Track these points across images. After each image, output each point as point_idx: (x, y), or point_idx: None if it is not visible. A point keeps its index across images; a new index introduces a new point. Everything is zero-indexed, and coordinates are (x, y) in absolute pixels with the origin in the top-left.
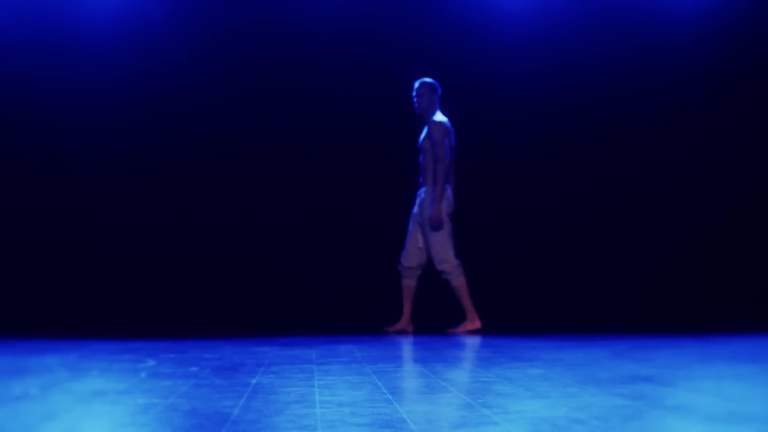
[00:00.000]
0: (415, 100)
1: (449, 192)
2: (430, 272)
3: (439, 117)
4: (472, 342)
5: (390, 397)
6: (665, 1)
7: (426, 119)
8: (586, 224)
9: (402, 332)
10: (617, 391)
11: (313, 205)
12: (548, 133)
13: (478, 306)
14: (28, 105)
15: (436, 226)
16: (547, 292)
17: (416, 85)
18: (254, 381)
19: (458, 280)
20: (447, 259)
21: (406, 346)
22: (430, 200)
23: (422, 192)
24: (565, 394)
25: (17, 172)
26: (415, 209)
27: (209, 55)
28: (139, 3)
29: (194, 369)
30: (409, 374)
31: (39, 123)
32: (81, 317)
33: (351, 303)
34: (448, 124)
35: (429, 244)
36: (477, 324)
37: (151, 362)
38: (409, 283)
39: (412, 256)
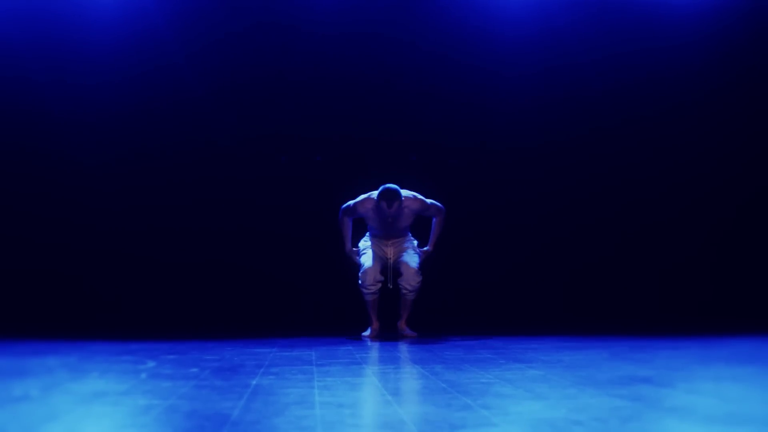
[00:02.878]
0: (394, 209)
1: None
2: (429, 274)
3: (407, 192)
4: (471, 344)
5: (390, 398)
6: (665, 3)
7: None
8: (587, 230)
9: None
10: (616, 393)
11: (314, 207)
12: (548, 138)
13: (487, 310)
14: (28, 108)
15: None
16: (551, 297)
17: (399, 195)
18: (254, 382)
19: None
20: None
21: (406, 348)
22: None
23: (398, 242)
24: (564, 395)
25: (19, 176)
26: (384, 251)
27: (210, 59)
28: (140, 6)
29: (194, 370)
30: (409, 375)
31: (39, 126)
32: (81, 319)
33: (351, 304)
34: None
35: (414, 258)
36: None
37: (151, 363)
38: (377, 296)
39: (380, 272)
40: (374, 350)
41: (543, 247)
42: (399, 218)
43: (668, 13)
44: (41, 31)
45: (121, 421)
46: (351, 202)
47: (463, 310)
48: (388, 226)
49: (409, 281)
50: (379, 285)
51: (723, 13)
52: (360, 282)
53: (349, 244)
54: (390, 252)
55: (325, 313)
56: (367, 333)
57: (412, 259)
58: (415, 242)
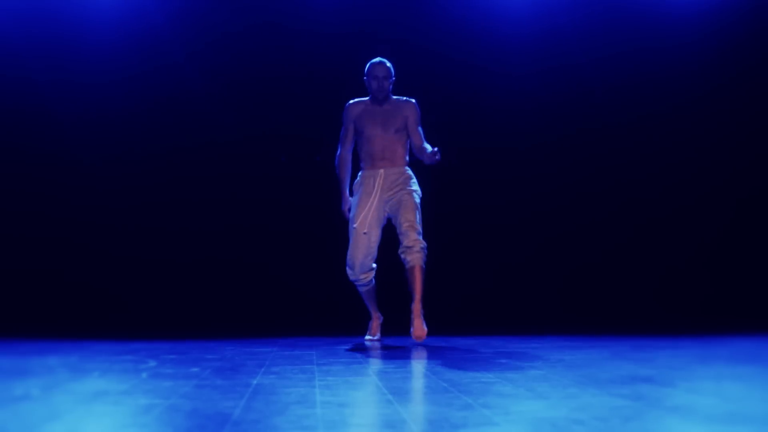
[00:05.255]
0: (385, 84)
1: None
2: (430, 273)
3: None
4: (472, 343)
5: (391, 397)
6: (665, 3)
7: (386, 100)
8: (586, 229)
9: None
10: (617, 392)
11: (314, 206)
12: (546, 137)
13: (488, 310)
14: (29, 107)
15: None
16: (552, 297)
17: (388, 65)
18: (255, 381)
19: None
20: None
21: (407, 347)
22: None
23: (391, 173)
24: (565, 394)
25: (20, 175)
26: (378, 195)
27: (210, 58)
28: (141, 5)
29: (195, 370)
30: (410, 375)
31: (40, 125)
32: (82, 318)
33: (351, 304)
34: None
35: (412, 215)
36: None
37: (152, 363)
38: (373, 285)
39: (373, 255)
40: (375, 350)
41: (543, 246)
42: (390, 117)
43: (668, 13)
44: (41, 30)
45: (122, 421)
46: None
47: (463, 310)
48: (381, 127)
49: (411, 241)
50: (372, 273)
51: (722, 13)
52: (348, 271)
53: (346, 194)
54: (384, 200)
55: (326, 313)
56: (369, 336)
57: (411, 214)
58: (417, 187)
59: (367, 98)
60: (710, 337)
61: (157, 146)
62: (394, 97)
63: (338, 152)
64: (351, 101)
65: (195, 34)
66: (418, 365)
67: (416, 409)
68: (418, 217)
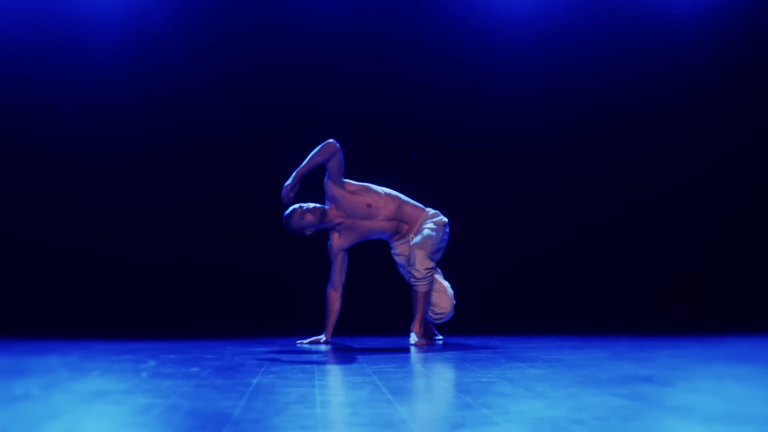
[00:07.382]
0: (311, 218)
1: None
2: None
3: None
4: (472, 343)
5: (390, 397)
6: (665, 3)
7: (325, 217)
8: (588, 229)
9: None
10: (617, 392)
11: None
12: (547, 138)
13: (488, 310)
14: (29, 107)
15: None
16: (552, 297)
17: (293, 207)
18: (255, 381)
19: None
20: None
21: (406, 347)
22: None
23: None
24: (565, 394)
25: (21, 176)
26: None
27: (210, 58)
28: (141, 5)
29: (195, 369)
30: (410, 374)
31: (38, 125)
32: (82, 318)
33: (351, 304)
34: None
35: (417, 242)
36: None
37: (152, 363)
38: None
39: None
40: (375, 349)
41: (542, 246)
42: (353, 208)
43: (668, 13)
44: (42, 30)
45: (122, 420)
46: (331, 262)
47: (463, 310)
48: (364, 219)
49: (413, 265)
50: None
51: (722, 13)
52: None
53: (328, 333)
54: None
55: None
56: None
57: (416, 241)
58: (429, 226)
59: (330, 232)
60: (710, 337)
61: (156, 147)
62: (322, 204)
63: (329, 283)
64: (329, 241)
65: (195, 34)
66: (418, 365)
67: (416, 409)
68: (427, 241)
